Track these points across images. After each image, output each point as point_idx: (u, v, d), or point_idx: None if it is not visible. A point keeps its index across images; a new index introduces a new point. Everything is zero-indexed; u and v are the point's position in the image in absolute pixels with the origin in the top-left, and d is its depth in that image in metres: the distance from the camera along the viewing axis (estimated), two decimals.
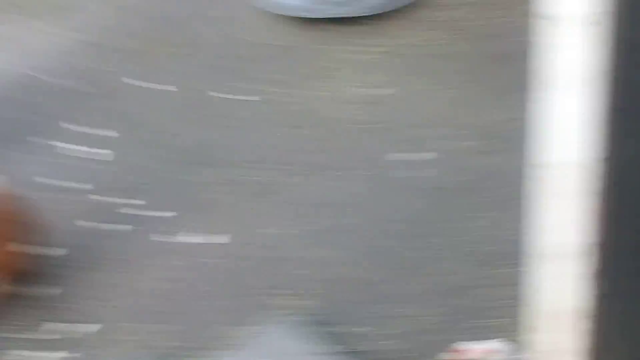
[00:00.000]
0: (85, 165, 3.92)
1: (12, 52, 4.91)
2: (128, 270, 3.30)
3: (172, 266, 3.30)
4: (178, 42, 4.85)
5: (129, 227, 3.52)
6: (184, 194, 3.69)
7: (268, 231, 3.42)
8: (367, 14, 4.80)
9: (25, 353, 2.93)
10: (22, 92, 4.54)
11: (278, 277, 3.19)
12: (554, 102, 1.67)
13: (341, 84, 4.36)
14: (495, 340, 2.50)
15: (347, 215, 3.48)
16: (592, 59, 1.55)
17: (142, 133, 4.12)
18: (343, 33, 4.78)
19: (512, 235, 2.71)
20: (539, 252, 1.90)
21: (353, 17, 4.80)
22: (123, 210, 3.62)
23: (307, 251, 3.30)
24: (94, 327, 3.05)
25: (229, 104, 4.27)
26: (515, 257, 2.43)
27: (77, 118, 4.27)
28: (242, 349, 2.84)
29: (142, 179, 3.82)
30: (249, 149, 3.94)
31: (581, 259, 1.80)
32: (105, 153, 4.00)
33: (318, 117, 4.12)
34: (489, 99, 4.08)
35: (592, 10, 1.50)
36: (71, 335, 3.01)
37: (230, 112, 4.22)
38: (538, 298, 1.97)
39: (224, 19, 5.03)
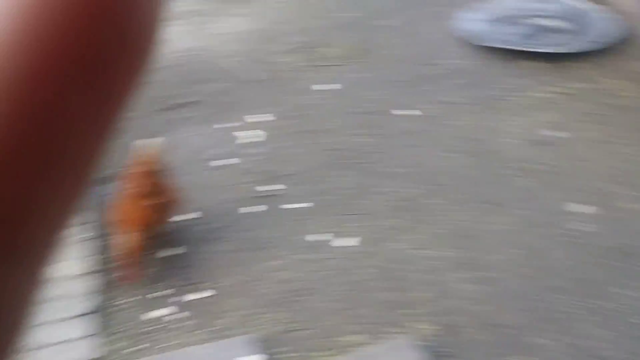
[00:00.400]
0: (240, 146, 3.96)
1: (201, 34, 5.11)
2: (254, 251, 3.27)
3: (298, 258, 3.23)
4: (362, 49, 4.82)
5: (264, 209, 3.50)
6: (325, 192, 3.61)
7: (400, 246, 3.26)
8: (562, 52, 4.63)
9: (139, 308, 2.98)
10: (200, 72, 4.69)
11: (404, 295, 3.02)
12: None
13: (516, 119, 4.14)
14: None
15: (493, 252, 3.24)
16: None
17: (301, 126, 4.11)
18: (533, 68, 4.57)
19: None
20: None
21: (548, 54, 4.62)
22: (263, 193, 3.61)
23: (441, 277, 3.10)
24: (206, 294, 3.03)
25: (397, 117, 4.18)
26: None
27: (244, 102, 4.34)
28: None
29: (288, 167, 3.80)
30: (404, 164, 3.81)
31: None
32: (260, 137, 4.02)
33: (485, 148, 3.92)
34: None
35: None
36: (182, 296, 3.01)
37: (396, 125, 4.12)
38: None
39: (421, 38, 4.97)
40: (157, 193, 3.07)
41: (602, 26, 4.87)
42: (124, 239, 2.99)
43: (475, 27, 4.91)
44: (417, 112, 4.20)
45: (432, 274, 3.12)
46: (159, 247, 3.19)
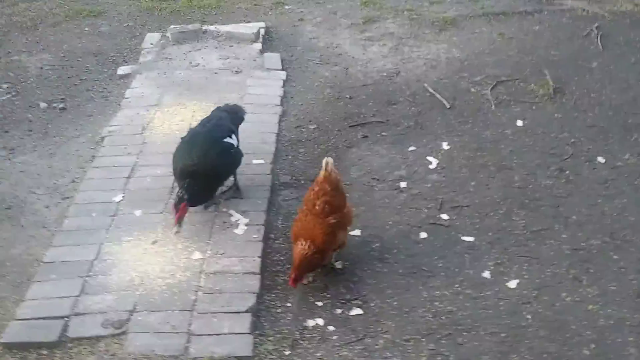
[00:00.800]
0: (419, 171, 3.96)
1: (398, 57, 5.17)
2: (415, 277, 3.23)
3: (457, 291, 3.15)
4: (563, 88, 4.64)
5: (433, 237, 3.46)
6: (499, 229, 3.51)
7: (567, 298, 3.07)
8: None
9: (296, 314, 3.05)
10: (393, 93, 4.74)
11: (560, 348, 2.84)
12: None
13: None
14: None
15: None
16: None
17: (484, 158, 4.03)
18: None
19: None
20: None
21: None
22: (435, 220, 3.58)
23: (603, 335, 2.88)
24: (358, 311, 3.04)
25: (590, 164, 3.98)
26: None
27: (430, 128, 4.33)
28: None
29: (465, 199, 3.73)
30: (588, 212, 3.61)
31: None
32: (436, 164, 4.00)
33: None
34: None
35: None
36: (335, 310, 3.04)
37: (587, 172, 3.93)
38: None
39: (630, 84, 4.70)
40: (330, 212, 3.12)
41: None
42: (297, 250, 3.04)
43: None
44: (614, 162, 3.96)
45: (594, 331, 2.91)
46: (328, 259, 3.24)
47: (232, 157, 3.60)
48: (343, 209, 3.21)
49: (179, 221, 3.32)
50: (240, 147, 3.68)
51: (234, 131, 3.68)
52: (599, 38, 5.24)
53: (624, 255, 3.33)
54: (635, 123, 4.30)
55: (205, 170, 3.40)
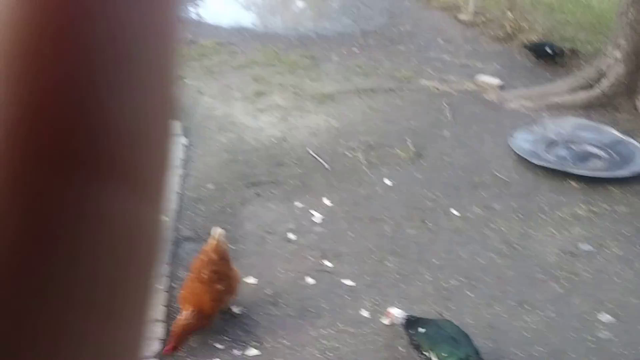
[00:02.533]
0: (303, 224, 3.93)
1: (283, 126, 5.19)
2: (304, 318, 3.18)
3: (342, 329, 3.12)
4: (423, 153, 4.78)
5: (318, 282, 3.43)
6: (373, 273, 3.53)
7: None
8: (601, 177, 4.48)
9: None
10: (280, 157, 4.73)
11: None
12: None
13: (553, 230, 3.98)
14: None
15: (518, 347, 3.06)
16: None
17: (358, 212, 4.06)
18: (574, 188, 4.40)
19: None
20: None
21: (588, 177, 4.46)
22: (319, 267, 3.55)
23: None
24: (254, 352, 2.95)
25: (444, 216, 4.08)
26: None
27: (312, 186, 4.34)
28: None
29: (343, 248, 3.73)
30: (446, 257, 3.69)
31: None
32: (322, 219, 4.00)
33: (522, 253, 3.77)
34: None
35: None
36: (231, 352, 2.94)
37: (443, 223, 4.02)
38: None
39: (478, 149, 4.90)
40: (218, 280, 2.97)
41: (637, 156, 4.72)
42: (181, 320, 2.84)
43: (528, 146, 4.82)
44: (465, 214, 4.10)
45: None
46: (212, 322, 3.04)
47: None
48: (230, 276, 3.05)
49: None
50: None
51: None
52: (449, 111, 5.47)
53: (477, 292, 3.42)
54: (480, 181, 4.48)
55: None
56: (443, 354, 2.75)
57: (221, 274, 2.99)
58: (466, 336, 2.86)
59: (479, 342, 3.01)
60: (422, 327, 2.85)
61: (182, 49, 0.22)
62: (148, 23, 0.20)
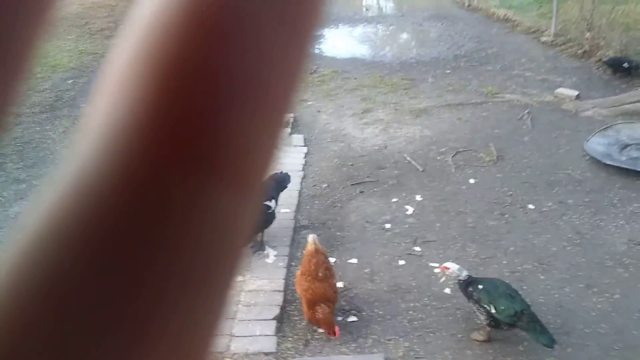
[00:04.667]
0: (400, 216, 3.88)
1: (385, 136, 5.15)
2: (395, 292, 3.13)
3: (426, 303, 3.04)
4: (505, 156, 4.56)
5: (409, 264, 3.37)
6: (455, 258, 3.40)
7: None
8: None
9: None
10: (381, 161, 4.71)
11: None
12: None
13: (620, 222, 3.65)
14: None
15: (586, 326, 2.83)
16: None
17: (445, 207, 3.95)
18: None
19: None
20: None
21: None
22: (410, 252, 3.49)
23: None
24: (354, 318, 2.96)
25: (523, 209, 3.86)
26: None
27: (408, 185, 4.26)
28: None
29: (431, 236, 3.64)
30: (522, 244, 3.50)
31: None
32: (412, 211, 3.93)
33: (591, 241, 3.49)
34: None
35: None
36: (337, 318, 2.95)
37: (521, 215, 3.81)
38: None
39: (556, 152, 4.60)
40: (332, 275, 2.91)
41: None
42: (324, 315, 2.76)
43: (602, 149, 4.45)
44: (540, 208, 3.86)
45: None
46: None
47: (266, 216, 3.40)
48: (326, 277, 2.89)
49: None
50: (274, 201, 3.54)
51: (274, 197, 3.52)
52: (529, 120, 5.19)
53: (548, 275, 3.21)
54: (555, 180, 4.20)
55: None
56: (501, 307, 2.61)
57: (331, 270, 2.95)
58: (518, 294, 2.70)
59: (549, 319, 2.83)
60: (480, 284, 2.72)
61: (306, 77, 0.21)
62: (283, 54, 0.18)
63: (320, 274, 2.85)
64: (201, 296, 0.18)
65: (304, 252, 3.15)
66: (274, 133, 0.19)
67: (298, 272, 2.96)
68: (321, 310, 2.77)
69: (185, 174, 0.17)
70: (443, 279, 2.89)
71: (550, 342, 2.57)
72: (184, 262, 0.17)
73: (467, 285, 2.77)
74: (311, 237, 2.99)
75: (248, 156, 0.18)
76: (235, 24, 0.17)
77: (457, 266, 2.83)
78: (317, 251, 2.92)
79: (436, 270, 2.92)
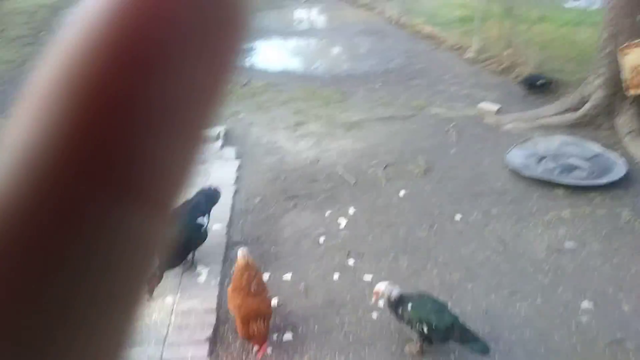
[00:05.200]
0: (331, 229, 3.90)
1: (317, 149, 5.18)
2: (329, 307, 3.13)
3: (360, 316, 3.05)
4: (432, 168, 4.70)
5: (341, 277, 3.39)
6: (386, 269, 3.46)
7: None
8: (584, 185, 4.30)
9: None
10: (313, 174, 4.72)
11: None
12: None
13: (541, 230, 3.84)
14: None
15: (512, 330, 2.95)
16: None
17: (376, 218, 4.01)
18: (560, 195, 4.25)
19: None
20: None
21: (573, 185, 4.31)
22: (342, 264, 3.51)
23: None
24: (289, 336, 2.93)
25: (448, 220, 3.98)
26: None
27: (340, 198, 4.30)
28: None
29: (360, 246, 3.68)
30: (449, 255, 3.59)
31: None
32: (345, 224, 3.96)
33: (514, 250, 3.64)
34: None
35: None
36: (272, 336, 2.90)
37: (447, 226, 3.93)
38: None
39: (478, 164, 4.79)
40: (264, 288, 2.87)
41: (615, 167, 4.53)
42: (259, 330, 2.73)
43: (521, 161, 4.69)
44: (467, 218, 4.00)
45: None
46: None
47: (198, 234, 3.36)
48: (257, 291, 2.83)
49: (150, 292, 3.05)
50: (206, 218, 3.45)
51: (206, 212, 3.43)
52: (454, 133, 5.38)
53: (476, 284, 3.33)
54: (479, 191, 4.37)
55: (179, 242, 3.23)
56: (433, 325, 2.64)
57: (262, 283, 2.90)
58: (446, 307, 2.77)
59: (477, 327, 2.91)
60: (409, 302, 2.72)
61: (237, 90, 0.20)
62: (205, 70, 0.18)
63: (252, 289, 2.79)
64: (107, 314, 0.18)
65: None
66: (189, 155, 0.19)
67: (230, 288, 2.89)
68: (256, 326, 2.71)
69: (97, 193, 0.17)
70: (381, 301, 2.86)
71: (485, 349, 2.65)
72: (91, 280, 0.17)
73: (396, 305, 2.77)
74: (241, 251, 2.91)
75: (162, 177, 0.19)
76: (156, 55, 0.17)
77: (386, 285, 2.81)
78: (247, 265, 2.85)
79: (372, 300, 2.90)
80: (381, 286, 2.82)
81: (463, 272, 3.42)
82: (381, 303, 2.83)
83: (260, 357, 2.75)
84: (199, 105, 0.19)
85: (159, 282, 3.08)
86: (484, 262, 3.51)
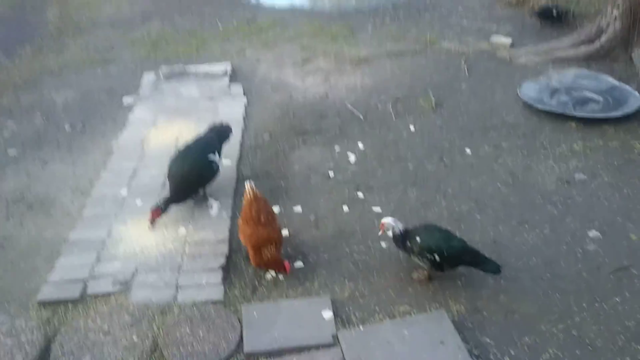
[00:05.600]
0: (342, 164, 3.91)
1: (327, 85, 5.10)
2: (340, 238, 3.18)
3: (370, 245, 3.11)
4: (443, 103, 4.64)
5: (351, 209, 3.42)
6: (396, 202, 3.49)
7: None
8: (596, 118, 4.24)
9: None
10: (323, 110, 4.67)
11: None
12: None
13: (551, 163, 3.82)
14: None
15: (520, 259, 2.99)
16: None
17: (386, 153, 4.01)
18: (572, 128, 4.21)
19: None
20: None
21: (585, 118, 4.25)
22: (351, 197, 3.54)
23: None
24: (300, 264, 2.99)
25: (459, 154, 3.97)
26: None
27: (350, 133, 4.27)
28: None
29: (372, 182, 3.70)
30: (459, 187, 3.60)
31: None
32: (354, 159, 3.96)
33: (524, 181, 3.64)
34: None
35: None
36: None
37: (457, 159, 3.92)
38: None
39: (491, 98, 4.72)
40: (274, 218, 2.90)
41: (630, 100, 4.45)
42: (272, 256, 2.78)
43: (534, 94, 4.62)
44: (477, 152, 3.98)
45: None
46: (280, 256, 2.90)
47: (212, 170, 3.39)
48: (267, 221, 2.87)
49: (152, 222, 3.16)
50: (218, 154, 3.46)
51: (218, 150, 3.46)
52: (466, 68, 5.28)
53: (484, 215, 3.35)
54: (490, 125, 4.33)
55: (191, 177, 3.27)
56: (445, 250, 2.67)
57: (272, 213, 2.95)
58: (452, 233, 2.80)
59: (488, 255, 2.96)
60: (417, 236, 2.74)
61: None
62: None
63: (262, 219, 2.84)
64: None
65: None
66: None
67: (240, 220, 2.94)
68: (268, 252, 2.78)
69: None
70: (389, 232, 2.86)
71: (497, 269, 2.70)
72: None
73: (403, 240, 2.80)
74: (247, 184, 2.94)
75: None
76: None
77: (392, 220, 2.83)
78: (255, 197, 2.89)
79: (379, 233, 2.93)
80: (386, 220, 2.84)
81: (472, 204, 3.43)
82: (390, 234, 2.85)
83: (288, 273, 2.80)
84: None
85: (161, 214, 3.15)
86: (493, 194, 3.53)
